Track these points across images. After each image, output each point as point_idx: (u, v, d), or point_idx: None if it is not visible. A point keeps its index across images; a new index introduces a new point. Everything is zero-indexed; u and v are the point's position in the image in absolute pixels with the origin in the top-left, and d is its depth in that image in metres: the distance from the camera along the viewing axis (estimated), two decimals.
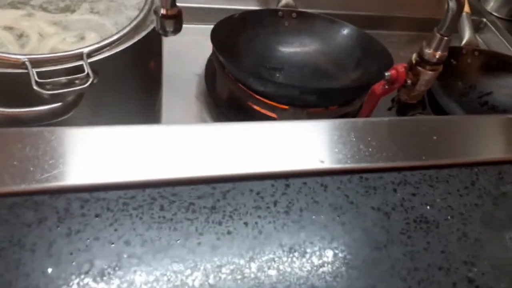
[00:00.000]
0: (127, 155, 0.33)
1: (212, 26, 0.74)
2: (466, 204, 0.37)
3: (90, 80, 0.41)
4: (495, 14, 1.09)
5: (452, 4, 0.41)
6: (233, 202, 0.32)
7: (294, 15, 0.83)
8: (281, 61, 0.84)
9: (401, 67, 0.49)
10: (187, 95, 0.81)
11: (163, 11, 0.37)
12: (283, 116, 0.71)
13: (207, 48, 0.71)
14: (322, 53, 0.85)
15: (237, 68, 0.67)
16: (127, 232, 0.29)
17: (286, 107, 0.70)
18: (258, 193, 0.33)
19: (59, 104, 0.40)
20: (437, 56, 0.46)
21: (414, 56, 0.48)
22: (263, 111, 0.72)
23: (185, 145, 0.35)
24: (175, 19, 0.38)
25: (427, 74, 0.47)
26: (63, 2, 0.50)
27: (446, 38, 0.44)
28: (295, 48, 0.86)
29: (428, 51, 0.46)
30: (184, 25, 0.91)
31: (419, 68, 0.47)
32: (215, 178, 0.33)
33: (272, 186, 0.34)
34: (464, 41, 0.89)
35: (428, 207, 0.36)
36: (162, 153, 0.34)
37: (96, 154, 0.33)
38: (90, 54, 0.43)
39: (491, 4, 1.10)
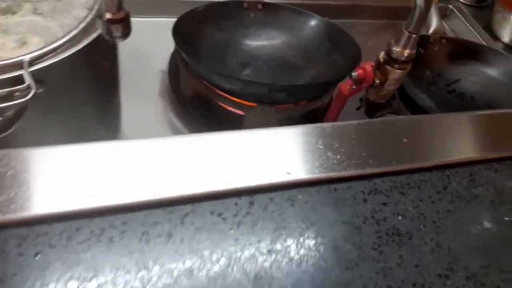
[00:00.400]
0: (71, 180, 0.30)
1: (176, 19, 0.70)
2: (439, 211, 0.35)
3: (32, 92, 0.37)
4: (461, 0, 1.09)
5: (420, 1, 0.39)
6: (192, 227, 0.29)
7: (259, 6, 0.80)
8: (247, 54, 0.81)
9: (368, 66, 0.47)
10: (151, 93, 0.77)
11: (108, 16, 0.33)
12: (251, 113, 0.68)
13: (171, 42, 0.68)
14: (290, 46, 0.82)
15: (201, 65, 0.64)
16: (72, 271, 0.26)
17: (254, 104, 0.68)
18: (220, 214, 0.31)
19: None
20: (405, 54, 0.44)
21: (381, 54, 0.46)
22: (230, 108, 0.69)
23: (137, 164, 0.32)
24: (123, 23, 0.34)
25: (395, 73, 0.45)
26: (4, 2, 0.46)
27: (414, 35, 0.43)
28: (262, 41, 0.83)
29: (396, 49, 0.44)
30: (146, 19, 0.88)
31: (387, 67, 0.45)
32: (171, 200, 0.30)
33: (235, 205, 0.32)
34: (431, 30, 0.88)
35: (400, 217, 0.34)
36: (111, 174, 0.31)
37: (35, 180, 0.30)
38: (32, 62, 0.39)
39: None
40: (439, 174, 0.38)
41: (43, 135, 0.45)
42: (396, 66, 0.45)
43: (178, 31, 0.68)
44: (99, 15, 0.35)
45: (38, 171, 0.30)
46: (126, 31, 0.35)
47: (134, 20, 0.88)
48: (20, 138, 0.41)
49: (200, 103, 0.72)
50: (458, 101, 0.87)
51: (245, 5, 0.79)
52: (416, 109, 0.74)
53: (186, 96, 0.73)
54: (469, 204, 0.37)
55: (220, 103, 0.68)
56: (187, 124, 0.74)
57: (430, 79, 0.87)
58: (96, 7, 0.44)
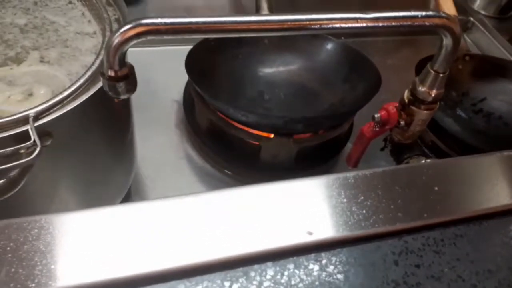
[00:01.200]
0: (82, 249, 0.28)
1: (190, 48, 0.68)
2: (479, 272, 0.32)
3: (38, 149, 0.35)
4: (483, 12, 1.05)
5: (447, 41, 0.36)
6: None
7: None
8: (263, 82, 0.79)
9: (392, 107, 0.43)
10: (166, 124, 0.76)
11: (110, 73, 0.31)
12: (267, 144, 0.66)
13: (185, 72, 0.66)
14: (307, 71, 0.80)
15: (215, 98, 0.62)
16: None
17: (271, 135, 0.66)
18: (230, 286, 0.28)
19: (2, 181, 0.35)
20: (432, 95, 0.40)
21: (406, 94, 0.43)
22: (246, 140, 0.67)
23: (142, 230, 0.30)
24: (127, 80, 0.32)
25: (422, 114, 0.42)
26: (10, 50, 0.45)
27: (441, 75, 0.39)
28: (277, 67, 0.81)
29: (422, 89, 0.41)
30: (160, 48, 0.87)
31: (413, 108, 0.42)
32: (174, 273, 0.28)
33: (249, 274, 0.29)
34: None
35: (435, 281, 0.31)
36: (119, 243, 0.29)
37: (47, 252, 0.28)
38: (38, 116, 0.37)
39: (478, 2, 1.06)
40: (476, 227, 0.35)
41: (52, 192, 0.43)
42: (422, 107, 0.41)
43: (191, 63, 0.66)
44: (100, 73, 0.32)
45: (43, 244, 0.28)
46: (130, 87, 0.32)
47: (148, 49, 0.88)
48: (26, 198, 0.39)
49: (215, 134, 0.70)
50: (486, 122, 0.83)
51: None
52: (441, 133, 0.71)
53: (201, 127, 0.72)
54: None
55: (236, 135, 0.66)
56: (204, 156, 0.72)
57: (455, 100, 0.84)
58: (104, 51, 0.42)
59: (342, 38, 0.95)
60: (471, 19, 1.05)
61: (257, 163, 0.68)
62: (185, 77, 0.73)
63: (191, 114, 0.73)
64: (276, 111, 0.73)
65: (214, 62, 0.74)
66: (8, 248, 0.28)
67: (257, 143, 0.67)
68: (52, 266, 0.27)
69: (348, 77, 0.75)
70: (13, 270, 0.27)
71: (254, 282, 0.29)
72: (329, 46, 0.79)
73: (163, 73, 0.81)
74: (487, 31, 1.04)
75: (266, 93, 0.77)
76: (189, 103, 0.74)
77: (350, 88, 0.74)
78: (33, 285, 0.26)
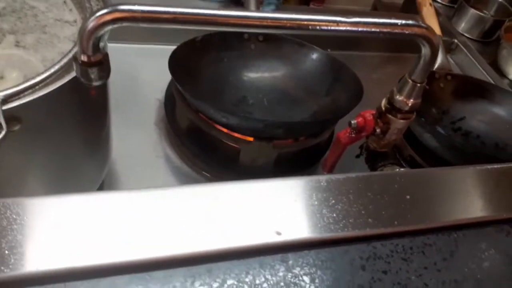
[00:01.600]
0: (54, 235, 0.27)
1: (175, 47, 0.68)
2: (445, 282, 0.32)
3: (3, 132, 0.34)
4: (467, 35, 1.08)
5: (425, 51, 0.36)
6: None
7: (260, 38, 0.78)
8: (247, 86, 0.78)
9: (369, 114, 0.44)
10: (146, 122, 0.75)
11: (83, 58, 0.31)
12: (247, 148, 0.66)
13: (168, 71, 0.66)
14: (291, 78, 0.80)
15: (197, 98, 0.61)
16: None
17: (251, 139, 0.65)
18: (192, 283, 0.27)
19: None
20: (409, 104, 0.41)
21: (383, 102, 0.43)
22: (226, 142, 0.67)
23: (117, 219, 0.29)
24: (100, 66, 0.31)
25: (398, 123, 0.42)
26: None
27: (419, 84, 0.40)
28: (262, 73, 0.81)
29: (399, 98, 0.41)
30: (145, 45, 0.86)
31: (390, 116, 0.42)
32: (135, 266, 0.27)
33: (209, 272, 0.28)
34: (436, 65, 0.86)
35: None
36: (91, 230, 0.28)
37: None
38: (7, 100, 0.36)
39: (462, 25, 1.08)
40: (445, 237, 0.34)
41: (21, 179, 0.42)
42: (399, 116, 0.42)
43: (175, 62, 0.66)
44: (73, 57, 0.32)
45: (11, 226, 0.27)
46: (103, 74, 0.32)
47: (133, 46, 0.87)
48: None
49: (195, 135, 0.69)
50: (464, 140, 0.84)
51: (246, 36, 0.77)
52: (420, 148, 0.71)
53: (181, 127, 0.71)
54: (479, 274, 0.33)
55: (215, 136, 0.66)
56: (182, 156, 0.71)
57: (435, 116, 0.85)
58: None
59: (329, 50, 0.97)
60: (455, 40, 1.08)
61: (236, 166, 0.67)
62: (169, 76, 0.72)
63: (172, 113, 0.73)
64: (258, 115, 0.72)
65: (198, 63, 0.73)
66: None
67: (236, 146, 0.66)
68: (6, 252, 0.26)
69: (331, 87, 0.76)
70: None
71: (218, 280, 0.28)
72: (315, 56, 0.80)
73: (147, 71, 0.81)
74: (470, 53, 1.06)
75: (249, 97, 0.77)
76: (170, 102, 0.73)
77: (332, 98, 0.74)
78: None
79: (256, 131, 0.63)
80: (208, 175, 0.69)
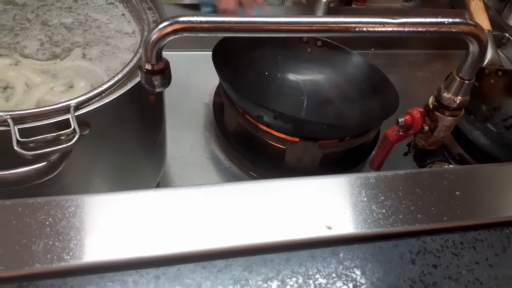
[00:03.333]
0: (107, 230, 0.30)
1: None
2: (498, 277, 0.32)
3: (77, 136, 0.38)
4: None
5: (473, 48, 0.36)
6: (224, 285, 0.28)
7: (319, 43, 0.80)
8: (294, 87, 0.81)
9: (416, 112, 0.44)
10: (196, 125, 0.78)
11: (147, 66, 0.34)
12: (292, 148, 0.67)
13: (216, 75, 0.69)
14: (337, 85, 0.82)
15: (244, 103, 0.64)
16: None
17: (296, 139, 0.67)
18: (250, 272, 0.29)
19: (43, 164, 0.37)
20: (457, 101, 0.41)
21: (431, 100, 0.43)
22: (272, 143, 0.68)
23: (170, 214, 0.31)
24: (162, 74, 0.34)
25: (446, 120, 0.42)
26: (56, 46, 0.48)
27: (467, 81, 0.40)
28: (313, 76, 0.83)
29: (447, 96, 0.41)
30: (192, 52, 0.90)
31: (438, 113, 0.42)
32: (204, 255, 0.29)
33: (271, 262, 0.30)
34: (486, 61, 0.83)
35: (452, 282, 0.31)
36: (144, 225, 0.30)
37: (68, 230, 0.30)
38: (78, 107, 0.40)
39: None
40: (497, 232, 0.35)
41: (88, 178, 0.46)
42: (447, 113, 0.42)
43: (219, 52, 0.68)
44: (138, 66, 0.35)
45: (72, 221, 0.31)
46: (165, 81, 0.35)
47: (181, 53, 0.91)
48: (65, 180, 0.42)
49: (243, 137, 0.72)
50: None
51: (305, 39, 0.79)
52: (469, 146, 0.70)
53: (229, 129, 0.74)
54: None
55: (262, 137, 0.68)
56: (230, 157, 0.74)
57: (485, 114, 0.82)
58: (141, 50, 0.45)
59: (372, 49, 0.96)
60: (506, 34, 1.04)
61: (282, 166, 0.69)
62: (216, 82, 0.75)
63: (220, 116, 0.75)
64: (303, 116, 0.74)
65: (247, 56, 0.75)
66: (47, 223, 0.30)
67: (282, 146, 0.68)
68: (86, 242, 0.29)
69: (367, 96, 0.76)
70: (50, 242, 0.29)
71: (273, 270, 0.30)
72: (356, 62, 0.80)
73: (196, 77, 0.84)
74: None
75: (297, 98, 0.78)
76: (218, 105, 0.76)
77: (370, 107, 0.74)
78: (68, 257, 0.28)
79: (302, 131, 0.65)
80: (255, 175, 0.71)
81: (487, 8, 0.88)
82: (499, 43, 1.02)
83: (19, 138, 0.36)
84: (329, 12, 0.81)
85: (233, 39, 0.71)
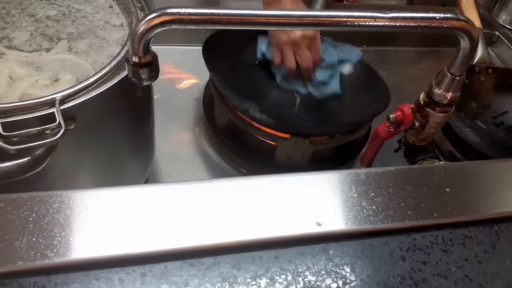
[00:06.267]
0: (92, 226, 0.29)
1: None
2: (486, 273, 0.32)
3: (62, 131, 0.37)
4: (508, 26, 1.04)
5: (464, 44, 0.36)
6: (212, 282, 0.28)
7: None
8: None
9: (407, 108, 0.44)
10: (186, 121, 0.77)
11: (135, 59, 0.33)
12: (283, 144, 0.67)
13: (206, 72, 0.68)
14: None
15: (231, 95, 0.63)
16: None
17: (287, 135, 0.66)
18: (238, 269, 0.28)
19: (27, 159, 0.36)
20: (448, 98, 0.41)
21: (422, 96, 0.43)
22: (262, 139, 0.68)
23: (157, 211, 0.31)
24: (150, 67, 0.33)
25: (437, 116, 0.42)
26: (42, 38, 0.47)
27: (458, 77, 0.40)
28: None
29: (438, 92, 0.41)
30: (183, 47, 0.89)
31: (428, 109, 0.42)
32: (192, 252, 0.29)
33: (259, 260, 0.30)
34: (476, 59, 0.84)
35: (441, 278, 0.31)
36: (132, 222, 0.30)
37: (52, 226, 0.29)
38: (63, 100, 0.39)
39: (504, 16, 1.05)
40: (487, 229, 0.35)
41: (74, 174, 0.45)
42: (438, 109, 0.42)
43: (210, 49, 0.67)
44: (126, 58, 0.34)
45: (56, 217, 0.30)
46: (153, 74, 0.34)
47: (172, 48, 0.90)
48: (50, 176, 0.41)
49: (233, 133, 0.71)
50: (507, 134, 0.82)
51: None
52: (459, 143, 0.70)
53: (219, 125, 0.73)
54: None
55: (252, 134, 0.67)
56: (221, 153, 0.73)
57: (475, 112, 0.83)
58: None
59: (364, 46, 0.96)
60: (496, 33, 1.04)
61: (272, 162, 0.68)
62: (206, 77, 0.75)
63: (210, 112, 0.75)
64: (296, 112, 0.73)
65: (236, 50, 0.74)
66: (30, 219, 0.30)
67: (273, 143, 0.67)
68: (70, 238, 0.29)
69: (359, 91, 0.76)
70: (33, 239, 0.28)
71: (262, 267, 0.30)
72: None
73: (186, 72, 0.83)
74: (511, 44, 1.03)
75: (287, 94, 0.78)
76: (208, 101, 0.75)
77: (363, 103, 0.74)
78: (52, 254, 0.28)
79: (292, 127, 0.64)
80: (245, 171, 0.71)
81: (477, 6, 0.88)
82: (490, 41, 1.03)
83: (2, 132, 0.35)
84: (326, 7, 0.81)
85: (225, 33, 0.70)
